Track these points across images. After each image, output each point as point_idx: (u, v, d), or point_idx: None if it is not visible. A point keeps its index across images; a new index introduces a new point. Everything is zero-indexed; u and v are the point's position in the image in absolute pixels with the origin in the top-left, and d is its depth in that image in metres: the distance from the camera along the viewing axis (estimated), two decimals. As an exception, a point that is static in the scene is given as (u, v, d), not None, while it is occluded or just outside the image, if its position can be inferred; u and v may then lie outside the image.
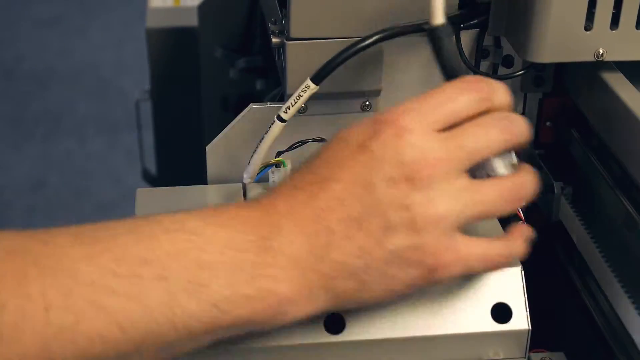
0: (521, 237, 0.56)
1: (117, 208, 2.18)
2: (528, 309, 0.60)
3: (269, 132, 0.65)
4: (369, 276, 0.52)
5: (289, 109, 0.64)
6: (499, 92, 0.54)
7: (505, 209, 0.54)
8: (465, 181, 0.52)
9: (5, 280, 0.46)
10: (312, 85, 0.63)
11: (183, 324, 0.49)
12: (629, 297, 0.62)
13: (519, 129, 0.54)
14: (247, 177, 0.67)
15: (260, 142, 0.66)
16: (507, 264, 0.55)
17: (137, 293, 0.48)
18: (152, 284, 0.48)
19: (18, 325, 0.46)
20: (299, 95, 0.63)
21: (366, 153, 0.52)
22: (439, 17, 0.57)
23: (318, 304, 0.52)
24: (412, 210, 0.51)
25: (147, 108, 1.23)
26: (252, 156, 0.67)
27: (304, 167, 0.55)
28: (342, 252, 0.51)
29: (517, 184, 0.54)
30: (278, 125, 0.65)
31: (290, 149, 0.68)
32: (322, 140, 0.68)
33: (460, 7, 0.67)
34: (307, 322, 0.58)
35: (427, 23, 0.58)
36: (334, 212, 0.51)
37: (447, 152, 0.52)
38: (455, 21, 0.67)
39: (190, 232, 0.50)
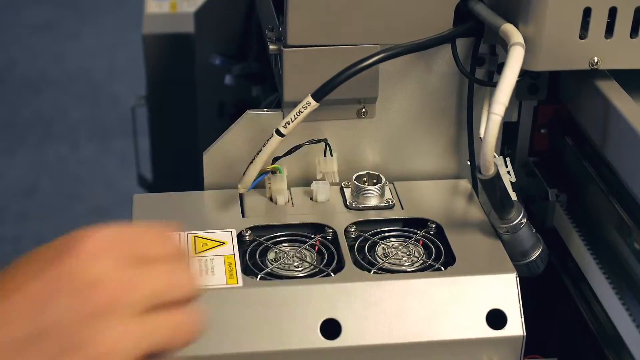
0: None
1: (110, 214, 2.18)
2: (523, 315, 0.60)
3: (267, 145, 0.65)
4: None
5: (289, 124, 0.64)
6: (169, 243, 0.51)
7: (180, 343, 0.49)
8: (139, 317, 0.48)
9: None
10: (313, 102, 0.63)
11: None
12: (623, 304, 0.62)
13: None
14: (241, 188, 0.67)
15: (258, 154, 0.66)
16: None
17: None
18: None
19: None
20: (300, 112, 0.64)
21: (49, 271, 0.47)
22: (490, 169, 0.61)
23: None
24: (86, 341, 0.46)
25: (142, 114, 1.23)
26: (247, 167, 0.67)
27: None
28: None
29: (189, 319, 0.49)
30: (276, 140, 0.65)
31: (287, 154, 0.68)
32: (318, 141, 0.69)
33: (455, 16, 0.68)
34: (303, 328, 0.58)
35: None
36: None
37: (129, 283, 0.48)
38: (452, 36, 0.68)
39: None
